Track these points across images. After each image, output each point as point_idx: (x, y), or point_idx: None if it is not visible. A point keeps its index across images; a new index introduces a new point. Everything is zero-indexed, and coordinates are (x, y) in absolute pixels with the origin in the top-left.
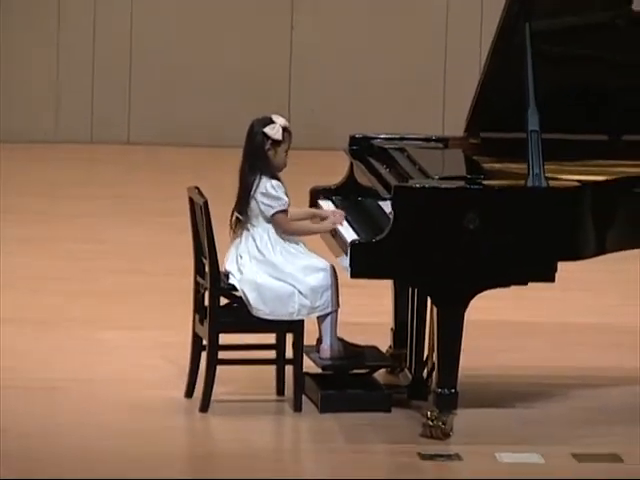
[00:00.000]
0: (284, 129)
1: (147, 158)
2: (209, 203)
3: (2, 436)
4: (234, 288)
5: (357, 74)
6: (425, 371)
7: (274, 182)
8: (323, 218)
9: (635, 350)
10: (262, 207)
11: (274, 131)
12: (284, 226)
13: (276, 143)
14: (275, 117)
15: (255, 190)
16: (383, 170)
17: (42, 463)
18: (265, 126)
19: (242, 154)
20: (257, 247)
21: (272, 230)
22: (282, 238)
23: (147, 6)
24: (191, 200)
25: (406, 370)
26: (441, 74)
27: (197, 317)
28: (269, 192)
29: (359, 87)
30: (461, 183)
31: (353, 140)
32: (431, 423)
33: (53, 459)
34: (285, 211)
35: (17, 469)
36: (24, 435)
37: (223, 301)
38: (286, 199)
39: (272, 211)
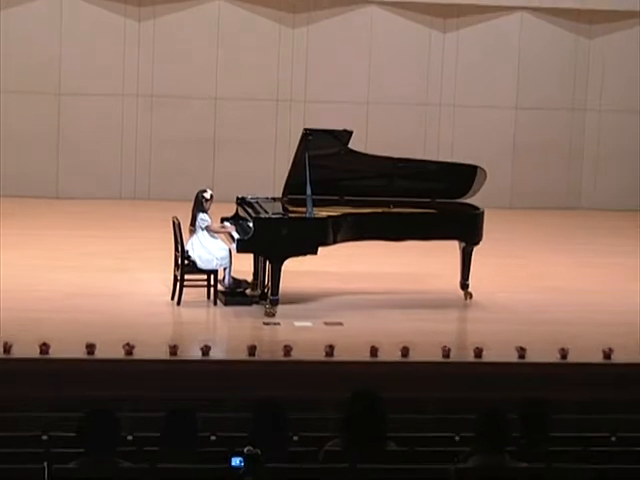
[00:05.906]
0: (211, 195)
1: None
2: None
3: (93, 315)
4: (189, 257)
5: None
6: (266, 289)
7: (204, 214)
8: (226, 227)
9: (404, 283)
10: (200, 223)
11: (206, 195)
12: (210, 230)
13: (206, 200)
14: (208, 189)
15: (197, 217)
16: (250, 210)
17: (108, 323)
18: (203, 192)
19: (192, 204)
20: (199, 240)
21: (206, 233)
22: (210, 235)
23: None
24: (173, 222)
25: (258, 289)
26: (272, 176)
27: (175, 268)
28: (202, 218)
29: (241, 176)
30: (280, 215)
31: (238, 198)
32: (267, 310)
33: (111, 319)
34: (209, 225)
35: (97, 330)
36: (99, 312)
37: (185, 262)
38: (209, 220)
39: (204, 225)
